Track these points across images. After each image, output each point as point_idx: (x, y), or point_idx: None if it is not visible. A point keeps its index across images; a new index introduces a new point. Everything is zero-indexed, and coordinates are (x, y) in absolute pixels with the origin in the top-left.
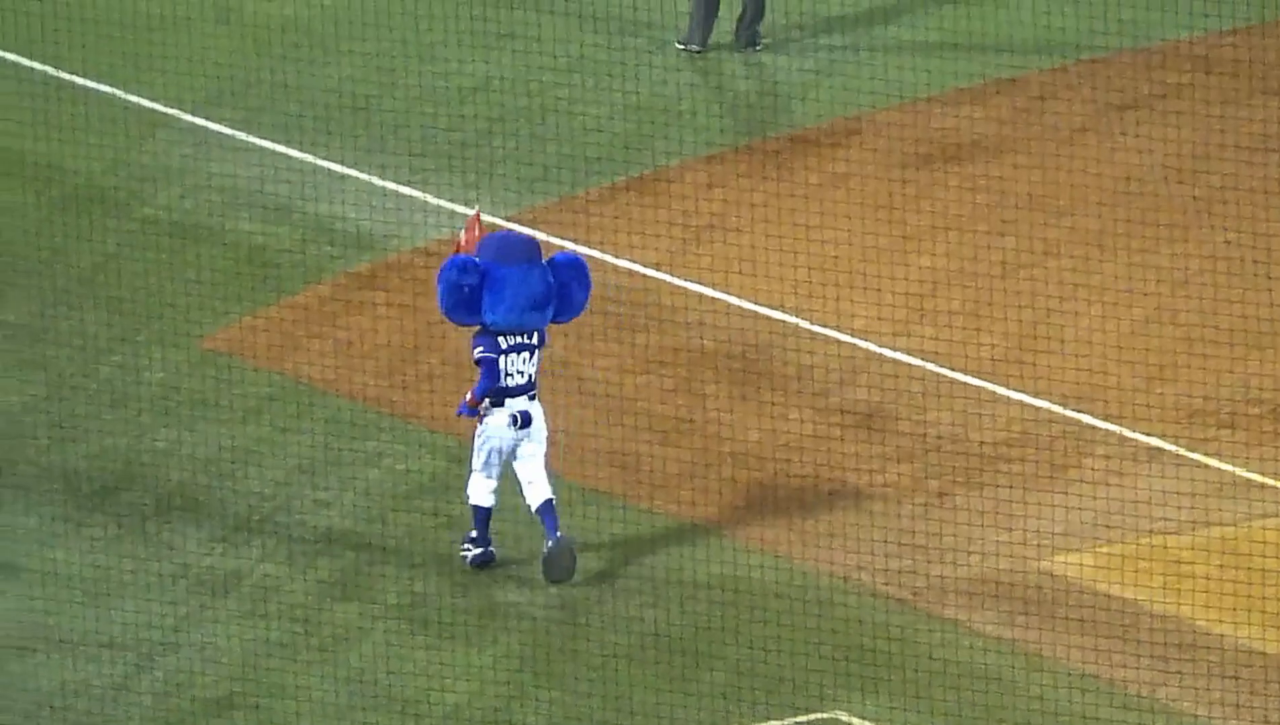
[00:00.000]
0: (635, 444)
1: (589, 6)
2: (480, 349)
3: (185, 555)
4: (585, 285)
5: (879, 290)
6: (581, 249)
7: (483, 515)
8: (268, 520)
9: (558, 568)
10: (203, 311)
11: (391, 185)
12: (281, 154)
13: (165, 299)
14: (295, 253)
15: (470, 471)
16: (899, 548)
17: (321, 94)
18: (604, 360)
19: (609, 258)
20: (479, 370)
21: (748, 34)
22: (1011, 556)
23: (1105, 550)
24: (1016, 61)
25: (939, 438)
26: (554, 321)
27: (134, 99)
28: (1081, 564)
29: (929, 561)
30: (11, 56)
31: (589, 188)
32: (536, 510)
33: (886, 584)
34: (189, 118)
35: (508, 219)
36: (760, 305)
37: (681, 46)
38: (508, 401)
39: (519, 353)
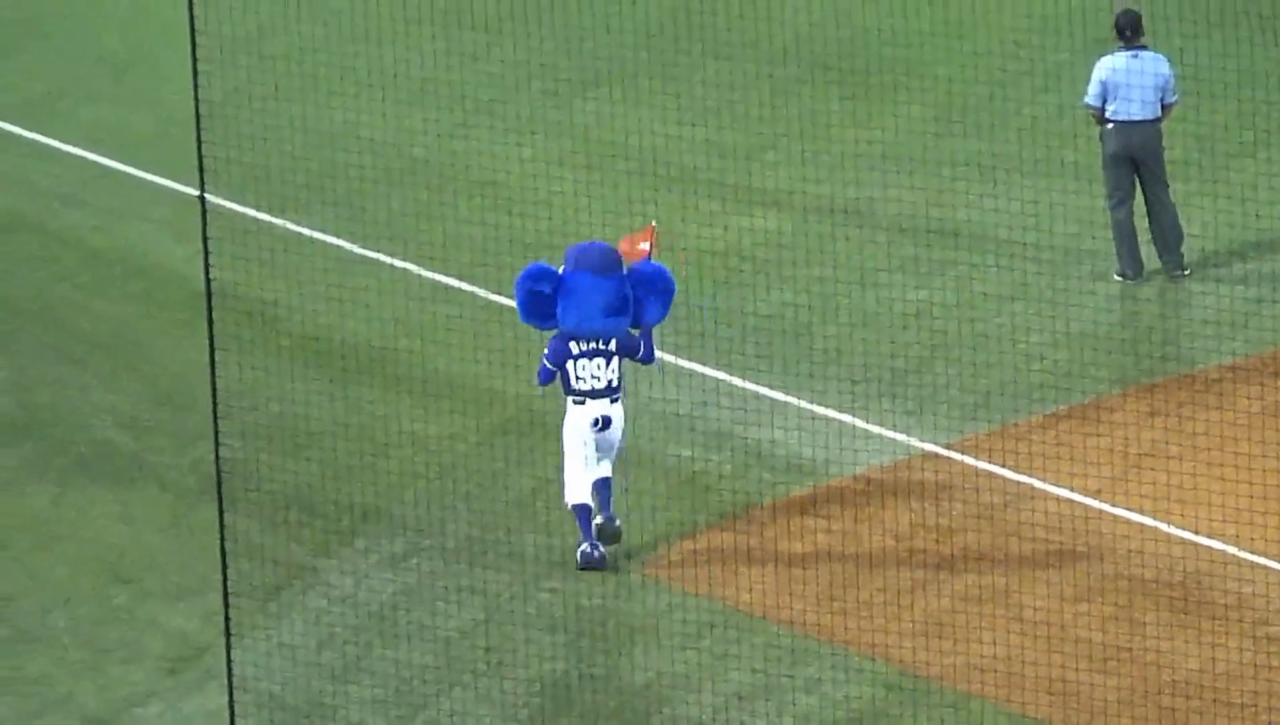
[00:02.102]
0: (1073, 672)
1: (1030, 236)
2: (546, 353)
3: None
4: (663, 295)
5: None
6: (1020, 477)
7: (583, 512)
8: None
9: (605, 540)
10: (641, 536)
11: (830, 412)
12: (721, 380)
13: None
14: (734, 478)
15: (564, 474)
16: None
17: (762, 319)
18: (1042, 588)
19: (1049, 486)
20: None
21: (1173, 259)
22: None
23: None
24: None
25: None
26: (633, 327)
27: None
28: None
29: None
30: (452, 281)
31: (1029, 416)
32: (593, 484)
33: None
34: None
35: (947, 446)
36: (1199, 534)
37: (1119, 277)
38: (589, 402)
39: (592, 358)
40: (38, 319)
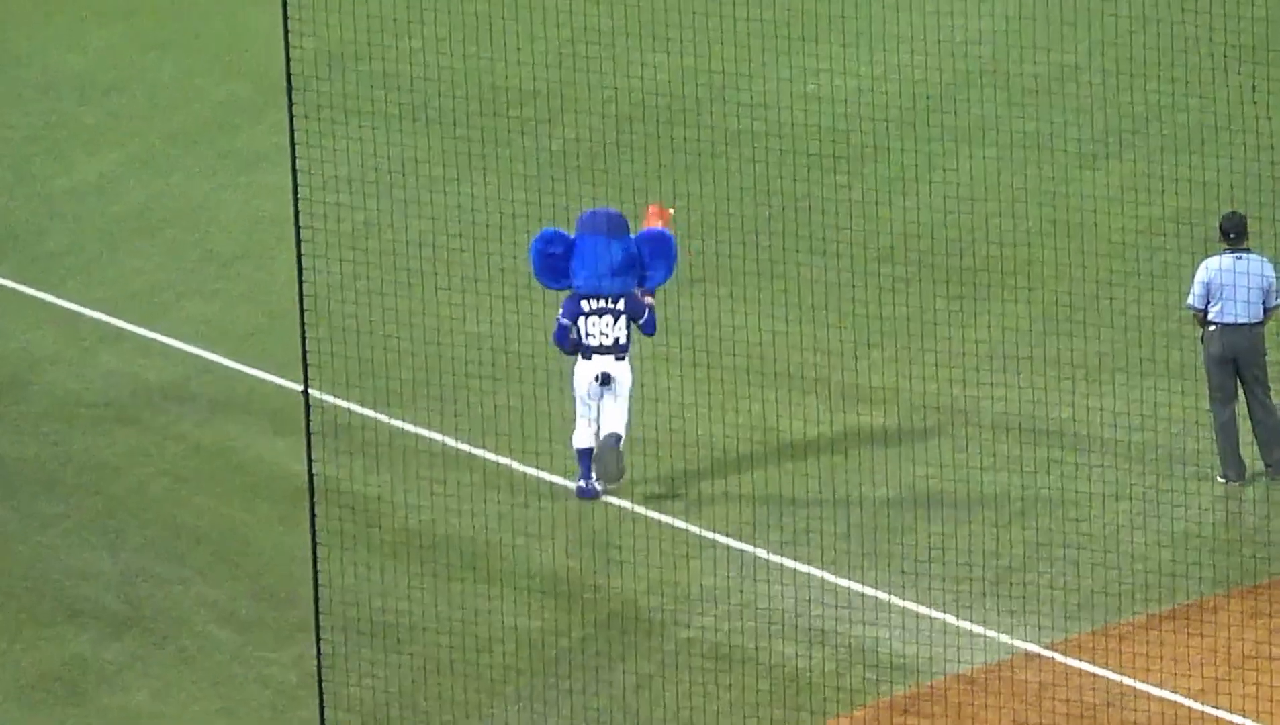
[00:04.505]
0: None
1: (1134, 436)
2: (561, 312)
3: None
4: (666, 258)
5: None
6: (1122, 678)
7: (582, 455)
8: None
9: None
10: None
11: (932, 611)
12: (824, 579)
13: (705, 720)
14: (835, 676)
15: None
16: None
17: (866, 517)
18: None
19: (1150, 688)
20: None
21: (1275, 461)
22: None
23: None
24: None
25: None
26: (640, 287)
27: (677, 522)
28: None
29: None
30: (555, 478)
31: (1132, 616)
32: (601, 439)
33: None
34: (728, 541)
35: (1048, 646)
36: None
37: (1222, 479)
38: (595, 358)
39: (601, 316)
40: (140, 513)
